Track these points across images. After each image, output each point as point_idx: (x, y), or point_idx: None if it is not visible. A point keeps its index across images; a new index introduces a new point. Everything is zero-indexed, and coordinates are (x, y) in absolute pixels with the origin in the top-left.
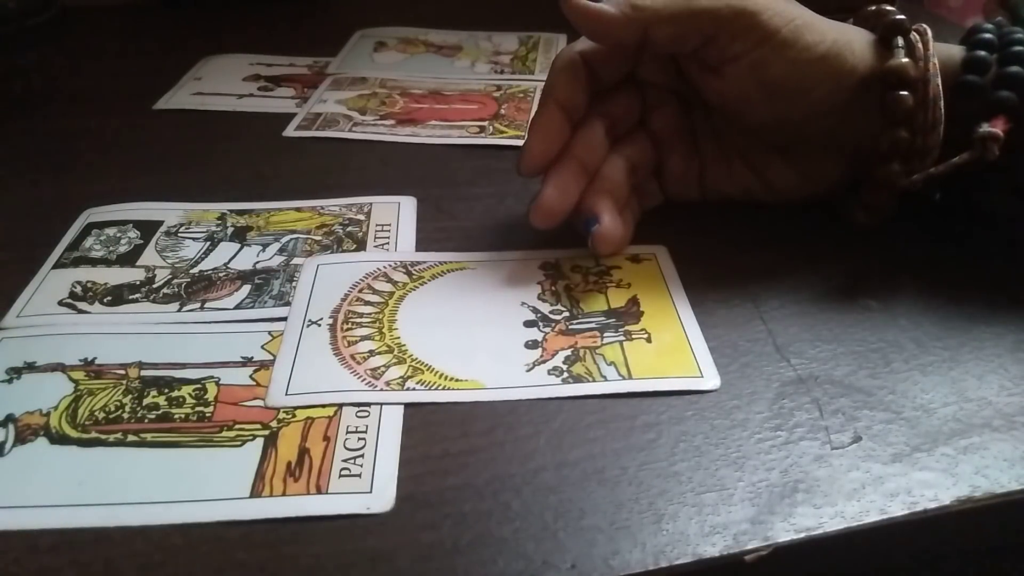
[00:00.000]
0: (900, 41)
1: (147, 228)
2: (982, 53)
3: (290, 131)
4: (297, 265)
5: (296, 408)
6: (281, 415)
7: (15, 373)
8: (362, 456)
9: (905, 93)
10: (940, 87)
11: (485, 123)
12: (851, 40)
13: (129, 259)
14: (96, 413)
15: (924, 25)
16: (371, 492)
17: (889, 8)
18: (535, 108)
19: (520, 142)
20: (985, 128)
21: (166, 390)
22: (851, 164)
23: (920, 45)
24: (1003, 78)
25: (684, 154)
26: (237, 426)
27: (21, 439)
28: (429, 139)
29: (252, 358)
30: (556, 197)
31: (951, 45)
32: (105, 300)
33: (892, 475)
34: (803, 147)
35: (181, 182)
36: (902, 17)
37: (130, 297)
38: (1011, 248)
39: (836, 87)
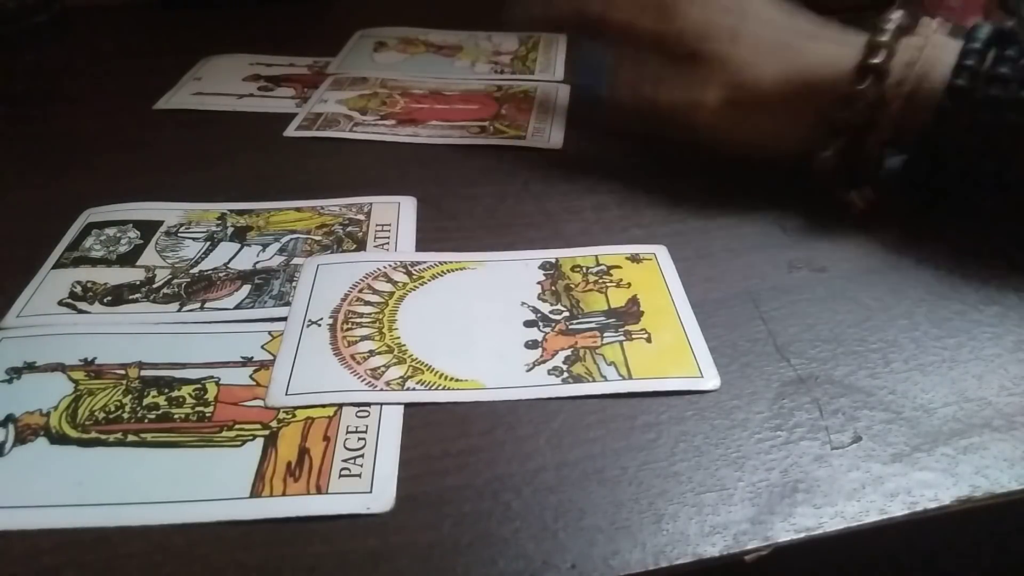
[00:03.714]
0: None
1: (147, 228)
2: (970, 62)
3: (291, 131)
4: (297, 265)
5: (296, 408)
6: (281, 415)
7: (15, 373)
8: (362, 456)
9: (847, 113)
10: (902, 102)
11: (486, 123)
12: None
13: (129, 259)
14: (96, 413)
15: (932, 27)
16: (371, 492)
17: (884, 25)
18: (536, 108)
19: (521, 143)
20: (853, 194)
21: (166, 390)
22: (816, 123)
23: (908, 52)
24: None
25: None
26: (237, 426)
27: (21, 439)
28: (430, 139)
29: (252, 358)
30: None
31: (949, 42)
32: (105, 300)
33: (892, 475)
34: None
35: (181, 182)
36: (884, 39)
37: (130, 297)
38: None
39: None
